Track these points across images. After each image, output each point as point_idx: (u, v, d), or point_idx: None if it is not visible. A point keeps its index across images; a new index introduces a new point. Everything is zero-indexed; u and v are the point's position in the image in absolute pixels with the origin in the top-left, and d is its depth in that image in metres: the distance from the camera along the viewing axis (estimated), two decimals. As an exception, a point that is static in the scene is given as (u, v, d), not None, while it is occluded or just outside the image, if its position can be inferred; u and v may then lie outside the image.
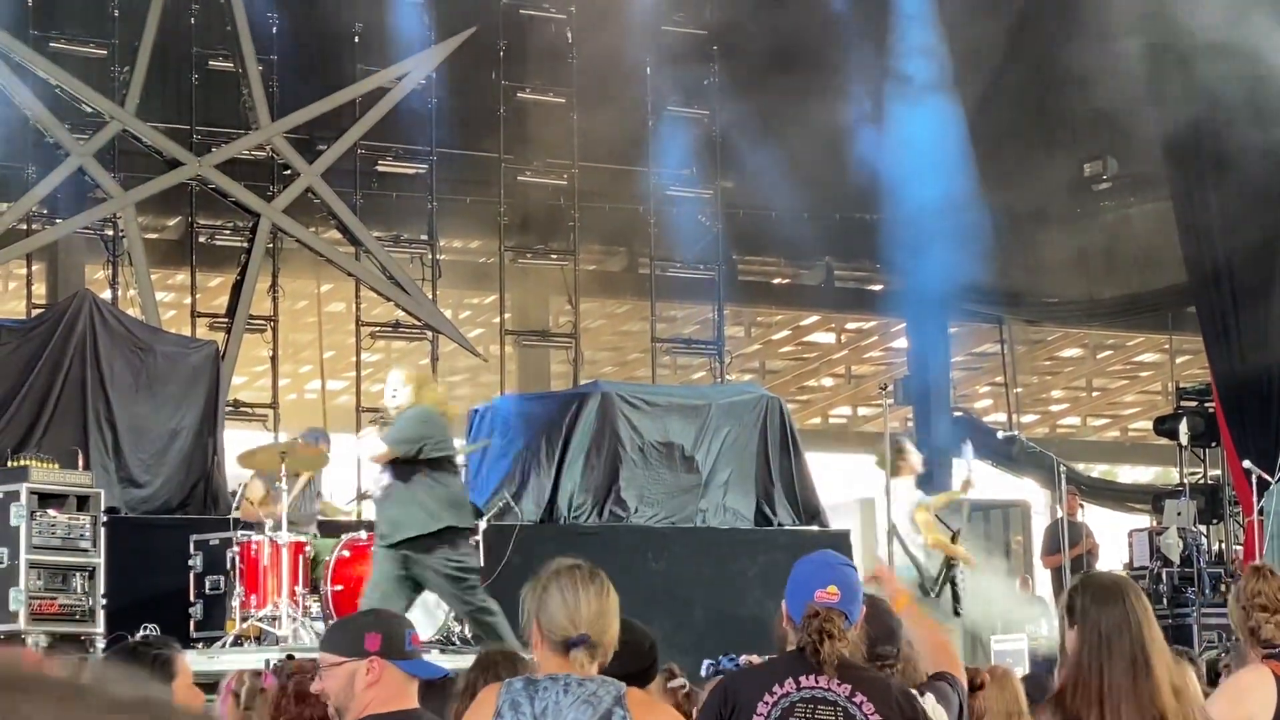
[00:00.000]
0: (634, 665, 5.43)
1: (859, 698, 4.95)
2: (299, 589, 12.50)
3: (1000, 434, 20.91)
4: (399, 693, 4.85)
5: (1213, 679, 9.34)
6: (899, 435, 15.82)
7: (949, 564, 14.09)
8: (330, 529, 13.75)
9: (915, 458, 14.50)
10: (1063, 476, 16.60)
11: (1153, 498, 21.02)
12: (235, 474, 14.97)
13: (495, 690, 4.76)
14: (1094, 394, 30.51)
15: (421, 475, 11.41)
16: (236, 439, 16.45)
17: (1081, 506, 19.56)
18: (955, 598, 14.05)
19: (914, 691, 5.30)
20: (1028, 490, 23.49)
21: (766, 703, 4.94)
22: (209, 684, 10.81)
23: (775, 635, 5.87)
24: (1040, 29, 20.58)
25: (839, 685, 4.96)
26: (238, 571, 12.57)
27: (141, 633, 12.32)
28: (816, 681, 4.95)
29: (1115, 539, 19.95)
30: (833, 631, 4.94)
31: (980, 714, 6.54)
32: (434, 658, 11.82)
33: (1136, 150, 21.34)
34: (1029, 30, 20.74)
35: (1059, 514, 17.83)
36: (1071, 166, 21.92)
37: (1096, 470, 29.06)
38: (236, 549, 12.63)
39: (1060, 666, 5.33)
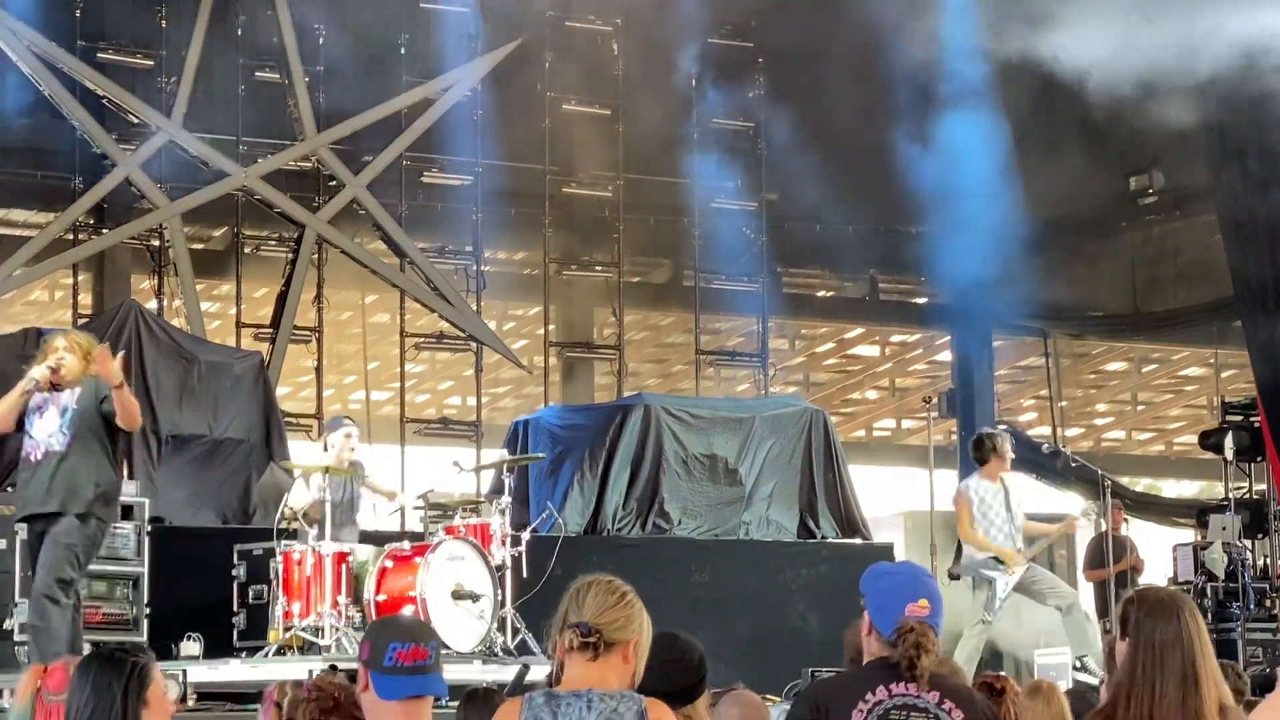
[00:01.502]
0: (679, 682, 5.43)
1: (947, 704, 5.08)
2: (342, 598, 12.50)
3: (1045, 448, 20.81)
4: (376, 705, 4.82)
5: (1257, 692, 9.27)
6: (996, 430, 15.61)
7: (996, 561, 13.96)
8: (372, 538, 13.76)
9: (1006, 449, 14.32)
10: (1108, 491, 16.51)
11: (1197, 512, 20.91)
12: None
13: (517, 706, 4.77)
14: (1139, 408, 30.39)
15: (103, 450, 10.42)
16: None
17: (1126, 521, 19.47)
18: (987, 604, 13.94)
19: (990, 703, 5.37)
20: (1072, 504, 23.39)
21: (861, 710, 5.04)
22: (252, 694, 10.85)
23: (848, 644, 5.89)
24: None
25: (929, 693, 5.05)
26: (281, 581, 12.59)
27: (186, 643, 12.38)
28: (906, 689, 5.04)
29: (1159, 553, 19.85)
30: (928, 646, 5.08)
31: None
32: (475, 669, 11.85)
33: (1183, 164, 21.24)
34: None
35: (1103, 528, 17.75)
36: (1117, 180, 21.84)
37: (1140, 484, 28.93)
38: (280, 558, 12.65)
39: (1108, 678, 5.31)
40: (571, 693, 4.72)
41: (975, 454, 14.36)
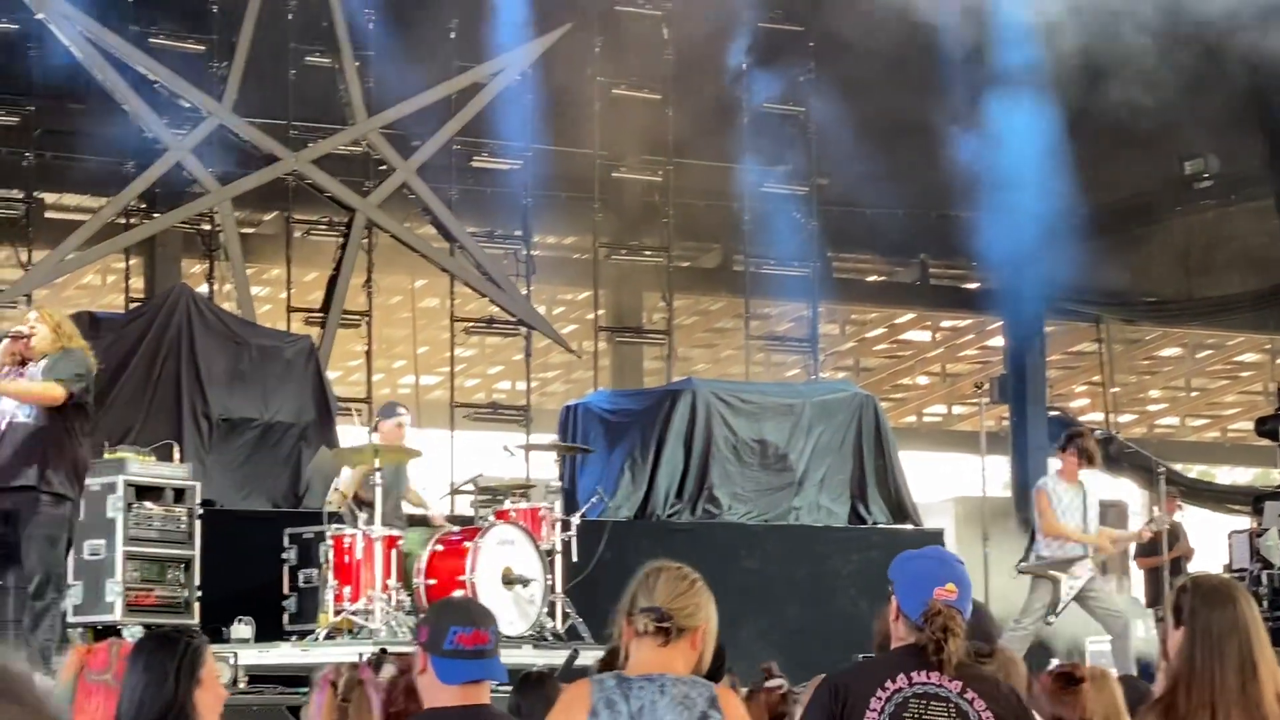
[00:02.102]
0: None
1: (970, 694, 4.96)
2: (391, 583, 12.52)
3: (1097, 434, 20.71)
4: (435, 688, 4.83)
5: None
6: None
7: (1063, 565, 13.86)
8: (422, 523, 13.75)
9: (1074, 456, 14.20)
10: (1162, 478, 16.41)
11: (1253, 499, 20.78)
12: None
13: (587, 686, 4.73)
14: (1193, 394, 30.23)
15: (67, 428, 10.23)
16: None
17: (1180, 508, 19.33)
18: (1053, 604, 13.85)
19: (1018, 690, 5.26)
20: (1125, 490, 23.29)
21: (879, 698, 4.94)
22: (302, 677, 10.86)
23: (877, 630, 5.82)
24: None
25: (950, 682, 4.96)
26: (331, 565, 12.60)
27: (237, 626, 12.41)
28: (928, 677, 4.95)
29: (1213, 540, 19.73)
30: (955, 629, 4.97)
31: (1083, 711, 6.46)
32: (525, 653, 11.84)
33: (1238, 148, 21.09)
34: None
35: (1156, 514, 17.63)
36: (1171, 164, 21.69)
37: (1194, 471, 28.78)
38: (330, 543, 12.67)
39: (1162, 668, 5.24)
40: (644, 677, 4.68)
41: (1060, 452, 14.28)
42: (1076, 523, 13.93)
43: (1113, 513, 22.49)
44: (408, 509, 13.93)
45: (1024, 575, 14.09)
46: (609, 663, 5.70)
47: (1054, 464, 16.53)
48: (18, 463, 10.12)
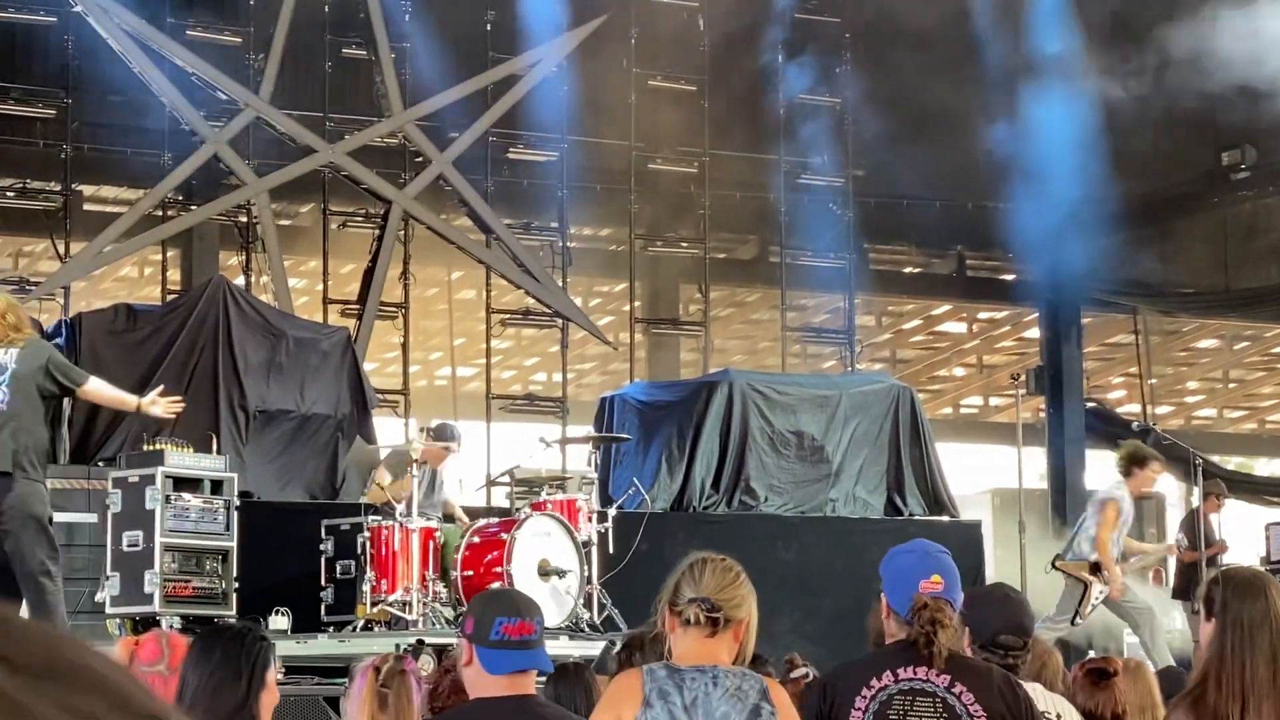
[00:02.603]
0: None
1: (958, 688, 4.92)
2: (429, 574, 12.54)
3: (1135, 425, 20.66)
4: (481, 679, 4.83)
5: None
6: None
7: (1094, 568, 13.81)
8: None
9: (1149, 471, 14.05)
10: (1199, 469, 16.35)
11: (1291, 491, 20.70)
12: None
13: (638, 676, 4.69)
14: (1230, 385, 30.12)
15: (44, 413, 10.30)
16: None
17: (1219, 508, 19.20)
18: (1078, 607, 13.79)
19: (1018, 680, 5.22)
20: (1163, 483, 23.18)
21: (865, 696, 4.92)
22: (338, 668, 10.90)
23: (871, 629, 5.82)
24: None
25: (938, 676, 4.92)
26: (369, 557, 12.63)
27: (274, 617, 12.44)
28: (915, 673, 4.92)
29: (1250, 532, 19.65)
30: (944, 621, 4.94)
31: (1115, 705, 6.44)
32: (562, 644, 11.85)
33: (1277, 138, 21.00)
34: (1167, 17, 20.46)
35: (1195, 506, 17.58)
36: (1209, 155, 21.61)
37: (1232, 463, 28.68)
38: (367, 534, 12.69)
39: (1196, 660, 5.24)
40: (695, 668, 4.65)
41: (1123, 466, 14.11)
42: (1121, 534, 13.87)
43: (1150, 505, 22.45)
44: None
45: (1056, 571, 14.03)
46: (640, 648, 5.69)
47: (1091, 456, 16.53)
48: (5, 450, 10.07)
